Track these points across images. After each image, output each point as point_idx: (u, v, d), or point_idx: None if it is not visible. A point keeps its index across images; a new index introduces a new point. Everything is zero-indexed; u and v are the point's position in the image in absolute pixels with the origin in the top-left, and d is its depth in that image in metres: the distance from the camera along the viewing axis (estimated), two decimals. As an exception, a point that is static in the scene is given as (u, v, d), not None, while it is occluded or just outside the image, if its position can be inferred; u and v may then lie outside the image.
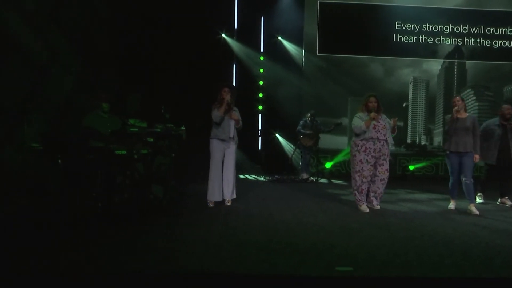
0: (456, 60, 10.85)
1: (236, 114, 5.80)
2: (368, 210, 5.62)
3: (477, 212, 5.53)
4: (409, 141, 10.88)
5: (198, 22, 9.65)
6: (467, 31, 10.75)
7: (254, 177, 9.87)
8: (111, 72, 8.80)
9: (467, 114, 5.83)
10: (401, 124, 10.49)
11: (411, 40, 10.71)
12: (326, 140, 10.11)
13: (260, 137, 10.92)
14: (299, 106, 10.57)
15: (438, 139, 10.81)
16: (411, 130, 10.89)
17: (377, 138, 5.63)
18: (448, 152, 5.78)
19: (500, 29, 10.74)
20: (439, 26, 10.70)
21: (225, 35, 10.57)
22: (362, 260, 3.38)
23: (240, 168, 9.40)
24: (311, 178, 9.44)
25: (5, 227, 4.36)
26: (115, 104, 6.16)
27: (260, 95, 10.73)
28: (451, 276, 3.12)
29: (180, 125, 6.07)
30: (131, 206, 5.13)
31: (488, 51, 10.78)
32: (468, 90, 10.84)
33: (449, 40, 10.75)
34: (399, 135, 9.74)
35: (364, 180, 5.66)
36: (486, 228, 4.73)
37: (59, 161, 5.00)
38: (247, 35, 10.62)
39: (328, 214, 5.42)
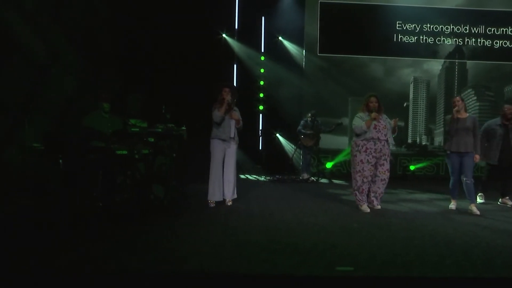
0: (456, 60, 10.84)
1: (236, 114, 5.80)
2: (368, 210, 5.61)
3: (478, 212, 5.52)
4: (409, 141, 10.87)
5: (199, 22, 9.65)
6: (467, 31, 10.74)
7: (255, 177, 9.87)
8: (112, 72, 8.81)
9: (468, 114, 5.82)
10: (402, 124, 10.50)
11: (411, 40, 10.70)
12: (327, 140, 10.11)
13: (260, 137, 10.92)
14: (300, 106, 10.58)
15: (438, 139, 10.81)
16: (411, 130, 10.88)
17: (378, 138, 5.62)
18: (448, 152, 5.77)
19: (501, 29, 10.73)
20: (440, 26, 10.70)
21: (226, 35, 10.58)
22: (362, 260, 3.37)
23: (240, 168, 9.41)
24: (312, 178, 9.43)
25: (5, 227, 4.36)
26: (116, 104, 6.15)
27: (261, 95, 10.73)
28: (452, 276, 3.12)
29: (180, 125, 6.08)
30: (132, 206, 5.14)
31: (488, 51, 10.77)
32: (469, 90, 10.83)
33: (450, 40, 10.75)
34: (400, 135, 9.75)
35: (365, 180, 5.66)
36: (487, 228, 4.72)
37: (60, 161, 5.01)
38: (248, 35, 10.63)
39: (329, 214, 5.42)
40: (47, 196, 5.40)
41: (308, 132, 9.42)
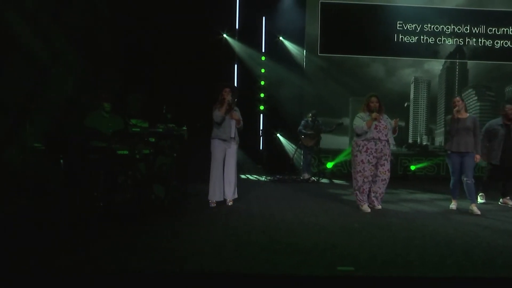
0: (457, 60, 10.83)
1: (237, 114, 5.79)
2: (369, 210, 5.61)
3: (479, 212, 5.51)
4: (410, 141, 10.86)
5: (199, 23, 9.66)
6: (468, 31, 10.73)
7: (256, 177, 9.87)
8: (112, 72, 8.81)
9: (468, 114, 5.82)
10: (403, 124, 10.51)
11: (412, 40, 10.70)
12: (328, 140, 10.10)
13: (261, 137, 10.92)
14: (301, 106, 10.58)
15: (439, 139, 10.80)
16: (412, 130, 10.87)
17: (379, 139, 5.62)
18: (449, 152, 5.77)
19: (502, 29, 10.72)
20: (441, 26, 10.69)
21: (227, 35, 10.57)
22: (363, 260, 3.37)
23: (241, 168, 9.40)
24: (313, 178, 9.43)
25: (5, 227, 4.36)
26: (116, 104, 6.16)
27: (262, 95, 10.74)
28: (453, 276, 3.11)
29: (181, 125, 6.08)
30: (132, 206, 5.14)
31: (489, 51, 10.76)
32: (470, 90, 10.82)
33: (451, 40, 10.74)
34: (401, 135, 9.75)
35: (366, 180, 5.65)
36: (487, 228, 4.72)
37: (61, 161, 5.01)
38: (249, 35, 10.63)
39: (330, 214, 5.41)
40: (47, 196, 5.40)
41: (309, 132, 9.41)
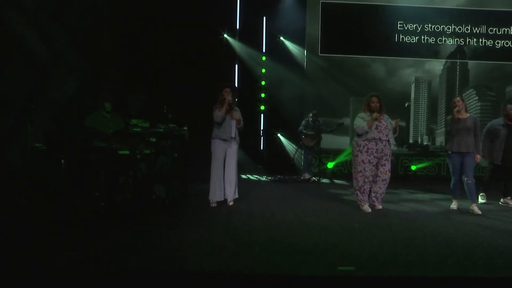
0: (458, 60, 10.82)
1: (237, 114, 5.79)
2: (370, 210, 5.60)
3: (479, 212, 5.51)
4: (411, 141, 10.86)
5: (200, 23, 9.66)
6: (469, 31, 10.72)
7: (256, 177, 9.87)
8: (113, 72, 8.81)
9: (468, 115, 5.81)
10: (403, 124, 10.50)
11: (413, 40, 10.69)
12: (328, 140, 10.09)
13: (262, 137, 10.92)
14: (301, 106, 10.58)
15: (440, 139, 10.79)
16: (413, 130, 10.86)
17: (379, 139, 5.61)
18: (449, 152, 5.76)
19: (503, 29, 10.71)
20: (441, 26, 10.68)
21: (227, 35, 10.56)
22: (364, 260, 3.36)
23: (242, 168, 9.40)
24: (313, 178, 9.42)
25: (5, 227, 4.36)
26: (116, 104, 6.15)
27: (262, 95, 10.73)
28: (453, 276, 3.11)
29: (182, 125, 6.08)
30: (133, 206, 5.13)
31: (490, 51, 10.75)
32: (470, 90, 10.81)
33: (451, 40, 10.73)
34: (401, 135, 9.75)
35: (366, 180, 5.65)
36: (488, 228, 4.71)
37: (62, 161, 5.01)
38: (249, 35, 10.62)
39: (330, 214, 5.41)
40: (47, 196, 5.39)
41: (309, 132, 9.41)
